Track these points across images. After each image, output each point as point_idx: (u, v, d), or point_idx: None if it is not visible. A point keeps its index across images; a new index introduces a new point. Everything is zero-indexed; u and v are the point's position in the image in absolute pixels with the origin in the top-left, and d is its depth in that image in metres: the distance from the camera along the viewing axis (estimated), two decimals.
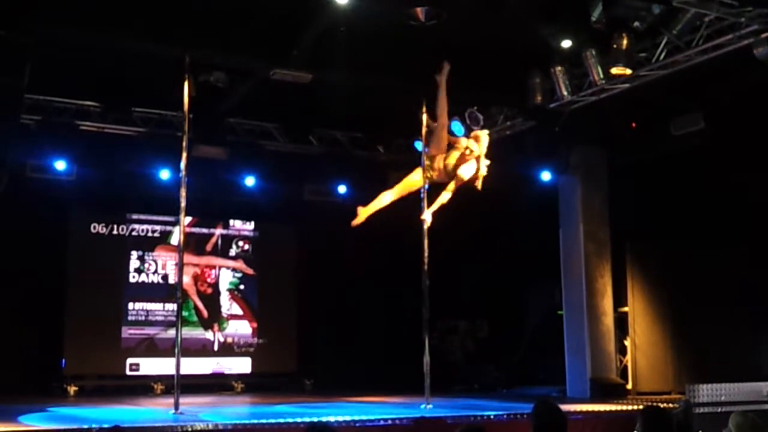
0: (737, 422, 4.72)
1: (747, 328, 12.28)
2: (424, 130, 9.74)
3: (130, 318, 13.44)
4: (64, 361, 12.76)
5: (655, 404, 5.01)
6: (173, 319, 12.73)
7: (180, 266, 8.94)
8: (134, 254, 13.64)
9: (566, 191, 12.23)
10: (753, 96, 10.41)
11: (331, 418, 7.63)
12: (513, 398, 11.32)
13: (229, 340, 14.11)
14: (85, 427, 7.02)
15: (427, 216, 9.21)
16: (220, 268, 14.27)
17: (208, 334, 13.98)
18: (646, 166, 12.16)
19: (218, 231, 14.30)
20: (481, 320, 14.97)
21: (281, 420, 7.68)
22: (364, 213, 9.19)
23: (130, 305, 13.48)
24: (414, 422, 7.77)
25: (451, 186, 9.02)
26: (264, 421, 7.68)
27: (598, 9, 8.66)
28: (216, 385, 13.62)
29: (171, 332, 13.10)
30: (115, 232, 13.54)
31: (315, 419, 7.46)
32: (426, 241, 9.47)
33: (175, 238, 13.48)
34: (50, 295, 12.73)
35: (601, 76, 9.89)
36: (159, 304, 13.62)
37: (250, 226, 14.53)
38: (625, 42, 9.15)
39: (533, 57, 10.39)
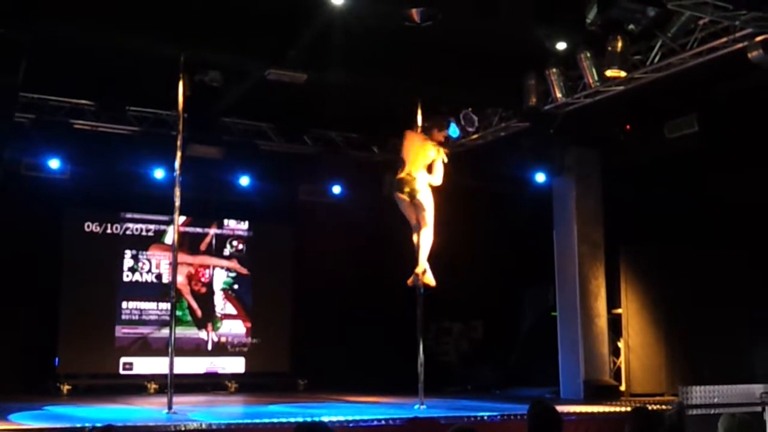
0: (726, 426, 4.71)
1: (740, 330, 12.30)
2: (418, 129, 9.76)
3: (123, 317, 13.42)
4: (57, 359, 12.74)
5: (643, 405, 5.04)
6: (167, 318, 12.77)
7: (174, 265, 8.93)
8: (128, 253, 13.62)
9: (560, 193, 12.24)
10: (747, 99, 10.45)
11: (325, 419, 7.62)
12: (506, 399, 11.33)
13: (223, 339, 14.10)
14: (79, 426, 7.01)
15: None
16: (214, 267, 14.26)
17: (202, 334, 13.97)
18: (640, 169, 12.19)
19: (212, 230, 14.28)
20: (475, 321, 14.97)
21: (275, 420, 7.68)
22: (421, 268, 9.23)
23: (124, 304, 13.46)
24: (407, 422, 7.77)
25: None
26: (257, 420, 7.68)
27: (593, 11, 8.67)
28: (209, 384, 13.60)
29: (165, 331, 13.10)
30: (109, 230, 13.52)
31: (307, 419, 7.44)
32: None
33: (169, 238, 13.47)
34: (44, 294, 12.70)
35: (596, 78, 9.91)
36: (153, 304, 13.59)
37: (245, 225, 14.52)
38: (619, 44, 9.16)
39: (528, 59, 10.41)
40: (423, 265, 9.22)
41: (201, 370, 13.74)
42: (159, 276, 13.74)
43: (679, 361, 12.25)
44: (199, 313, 14.00)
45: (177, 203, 8.72)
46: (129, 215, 13.67)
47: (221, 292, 14.26)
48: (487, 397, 11.86)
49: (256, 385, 13.74)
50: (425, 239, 9.18)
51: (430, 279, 9.28)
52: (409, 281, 9.34)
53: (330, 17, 8.78)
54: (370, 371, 13.23)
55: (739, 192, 11.75)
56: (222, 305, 14.23)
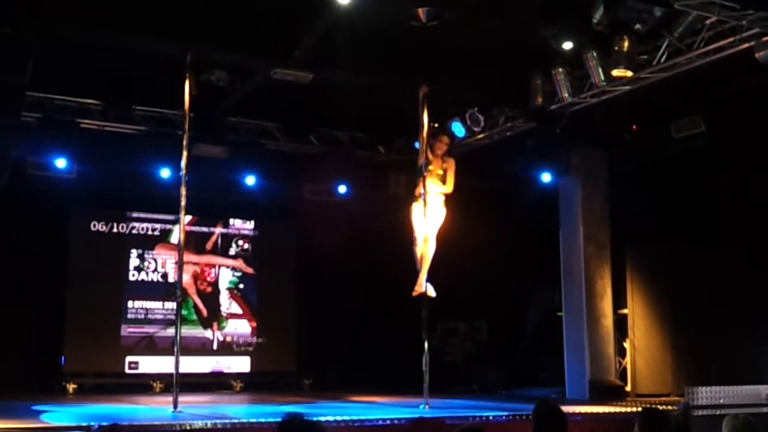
0: (729, 427, 4.69)
1: (747, 330, 12.26)
2: (424, 130, 9.77)
3: (129, 316, 13.45)
4: (63, 358, 12.77)
5: (652, 405, 5.03)
6: (173, 317, 12.73)
7: (180, 265, 8.95)
8: (134, 252, 13.65)
9: (566, 193, 12.23)
10: (753, 99, 10.42)
11: (330, 418, 7.62)
12: (512, 399, 11.32)
13: (228, 339, 14.11)
14: (84, 424, 7.02)
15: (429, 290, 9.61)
16: (219, 267, 14.27)
17: (208, 333, 13.99)
18: (646, 168, 12.17)
19: (218, 230, 14.30)
20: (480, 322, 14.96)
21: (279, 419, 7.66)
22: (421, 281, 9.54)
23: (130, 303, 13.48)
24: (412, 422, 7.76)
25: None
26: (263, 420, 7.68)
27: (599, 11, 8.66)
28: (215, 383, 13.62)
29: (170, 331, 13.10)
30: (115, 230, 13.54)
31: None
32: None
33: (175, 237, 13.49)
34: (50, 293, 12.74)
35: (602, 78, 9.88)
36: (158, 303, 13.61)
37: (250, 225, 14.53)
38: (626, 44, 9.14)
39: (534, 58, 10.40)
40: (424, 279, 9.50)
41: (206, 370, 13.76)
42: (165, 275, 13.76)
43: (684, 362, 12.21)
44: (204, 312, 14.02)
45: (183, 202, 8.73)
46: (135, 214, 13.69)
47: (227, 292, 14.27)
48: (492, 398, 11.84)
49: (262, 384, 13.75)
50: (431, 251, 9.31)
51: (431, 292, 9.54)
52: (414, 293, 9.58)
53: (336, 17, 8.78)
54: (375, 371, 13.23)
55: (745, 192, 11.72)
56: (227, 304, 14.24)
